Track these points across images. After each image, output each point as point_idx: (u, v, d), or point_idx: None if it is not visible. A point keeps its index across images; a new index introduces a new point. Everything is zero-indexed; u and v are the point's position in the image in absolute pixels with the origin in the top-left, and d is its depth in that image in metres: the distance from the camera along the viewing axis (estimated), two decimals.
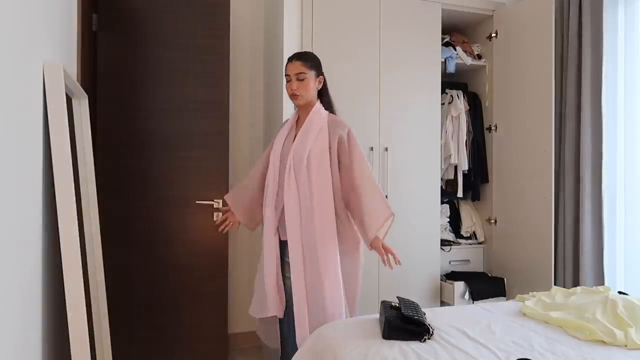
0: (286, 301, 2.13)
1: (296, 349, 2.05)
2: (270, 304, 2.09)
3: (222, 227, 2.28)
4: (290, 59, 2.09)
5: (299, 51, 2.22)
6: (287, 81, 2.09)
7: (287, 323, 2.13)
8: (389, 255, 2.04)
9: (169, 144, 2.63)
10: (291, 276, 2.04)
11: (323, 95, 2.16)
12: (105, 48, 2.55)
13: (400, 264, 2.06)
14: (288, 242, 2.03)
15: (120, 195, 2.55)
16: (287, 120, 2.24)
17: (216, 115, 2.68)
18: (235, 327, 3.15)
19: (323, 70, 2.16)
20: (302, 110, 2.15)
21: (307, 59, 2.08)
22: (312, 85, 2.08)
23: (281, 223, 2.09)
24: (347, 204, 2.09)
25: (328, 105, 2.17)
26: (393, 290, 2.94)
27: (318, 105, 2.11)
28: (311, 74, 2.07)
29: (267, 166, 2.16)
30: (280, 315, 2.13)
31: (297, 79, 2.05)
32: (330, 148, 2.04)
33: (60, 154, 1.52)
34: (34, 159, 1.45)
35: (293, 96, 2.08)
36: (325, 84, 2.16)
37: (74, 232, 1.51)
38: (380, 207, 2.03)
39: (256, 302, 2.19)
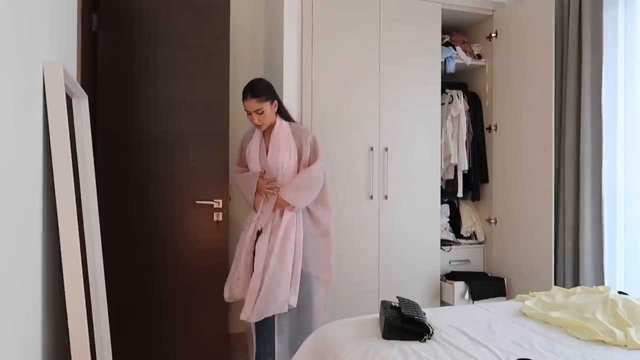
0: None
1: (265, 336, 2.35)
2: (239, 290, 2.38)
3: (272, 187, 2.40)
4: (245, 96, 2.34)
5: (250, 83, 2.39)
6: (248, 114, 2.37)
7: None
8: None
9: (169, 144, 2.63)
10: (255, 256, 2.33)
11: (280, 110, 2.45)
12: (105, 48, 2.55)
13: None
14: (263, 228, 2.36)
15: (120, 195, 2.55)
16: (248, 132, 2.54)
17: (216, 115, 2.68)
18: (235, 327, 3.15)
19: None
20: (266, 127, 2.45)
21: (260, 94, 2.33)
22: (270, 112, 2.37)
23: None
24: None
25: (286, 117, 2.48)
26: (393, 290, 2.94)
27: (279, 122, 2.42)
28: (267, 105, 2.35)
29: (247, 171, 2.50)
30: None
31: (257, 114, 2.33)
32: (301, 152, 2.39)
33: (60, 154, 1.52)
34: (34, 159, 1.45)
35: (257, 126, 2.39)
36: (280, 102, 2.44)
37: (74, 232, 1.51)
38: (295, 190, 2.35)
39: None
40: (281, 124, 2.42)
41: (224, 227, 2.69)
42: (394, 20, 2.96)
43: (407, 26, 3.00)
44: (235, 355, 3.02)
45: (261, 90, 2.34)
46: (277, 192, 2.37)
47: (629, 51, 2.74)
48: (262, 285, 2.28)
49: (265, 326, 2.38)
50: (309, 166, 2.42)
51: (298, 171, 2.41)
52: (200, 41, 2.65)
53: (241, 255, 2.40)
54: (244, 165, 2.55)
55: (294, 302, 2.31)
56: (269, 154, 2.39)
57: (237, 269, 2.40)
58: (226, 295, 2.43)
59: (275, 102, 2.40)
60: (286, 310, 2.30)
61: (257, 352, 2.39)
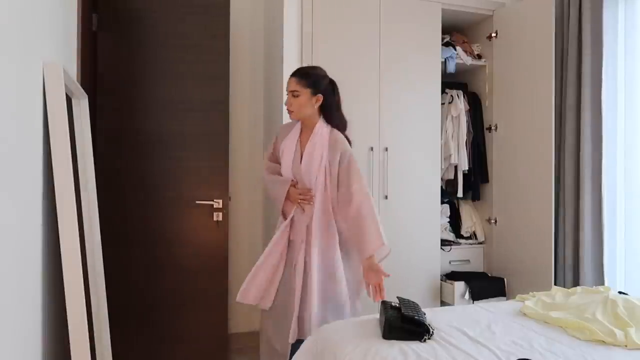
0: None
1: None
2: (254, 293, 2.15)
3: (307, 198, 2.13)
4: (291, 75, 2.11)
5: (303, 66, 2.18)
6: (287, 95, 2.13)
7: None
8: (376, 288, 2.02)
9: (169, 144, 2.63)
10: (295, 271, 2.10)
11: (327, 111, 2.12)
12: (105, 48, 2.55)
13: (382, 298, 2.02)
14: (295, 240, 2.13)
15: (120, 195, 2.56)
16: (287, 125, 2.26)
17: (216, 115, 2.68)
18: (235, 327, 3.15)
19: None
20: (304, 125, 2.16)
21: (303, 77, 2.08)
22: (306, 103, 2.07)
23: (292, 227, 2.16)
24: (347, 222, 2.08)
25: (333, 122, 2.13)
26: (393, 290, 2.92)
27: (319, 125, 2.11)
28: (305, 92, 2.07)
29: (279, 170, 2.21)
30: (265, 306, 2.16)
31: (292, 96, 2.08)
32: (330, 166, 2.08)
33: (60, 154, 1.52)
34: (34, 159, 1.45)
35: (288, 111, 2.13)
36: (328, 100, 2.11)
37: (74, 232, 1.51)
38: (375, 236, 2.01)
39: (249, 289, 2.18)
40: (320, 130, 2.09)
41: (224, 227, 2.69)
42: (394, 21, 2.96)
43: (407, 26, 3.00)
44: (235, 356, 3.02)
45: (307, 73, 2.10)
46: (312, 203, 2.09)
47: (629, 51, 2.74)
48: (312, 301, 2.02)
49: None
50: (339, 185, 2.07)
51: (326, 186, 2.09)
52: (200, 41, 2.65)
53: (267, 261, 2.15)
54: (275, 160, 2.28)
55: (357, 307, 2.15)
56: (302, 162, 2.10)
57: (259, 274, 2.15)
58: (239, 297, 2.18)
59: (319, 96, 2.09)
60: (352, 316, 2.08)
61: None
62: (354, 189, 2.04)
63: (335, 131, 2.13)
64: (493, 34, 3.31)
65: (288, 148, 2.16)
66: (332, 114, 2.13)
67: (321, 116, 2.13)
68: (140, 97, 2.61)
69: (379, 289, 2.02)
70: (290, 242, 2.16)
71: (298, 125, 2.19)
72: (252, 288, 2.16)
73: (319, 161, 2.07)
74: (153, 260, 2.60)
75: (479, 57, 3.39)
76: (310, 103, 2.08)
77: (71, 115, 1.88)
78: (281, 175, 2.21)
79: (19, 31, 1.29)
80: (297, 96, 2.06)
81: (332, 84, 2.16)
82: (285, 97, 2.15)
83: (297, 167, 2.12)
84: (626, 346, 1.62)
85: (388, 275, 2.03)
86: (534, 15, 2.99)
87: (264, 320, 2.23)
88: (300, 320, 2.07)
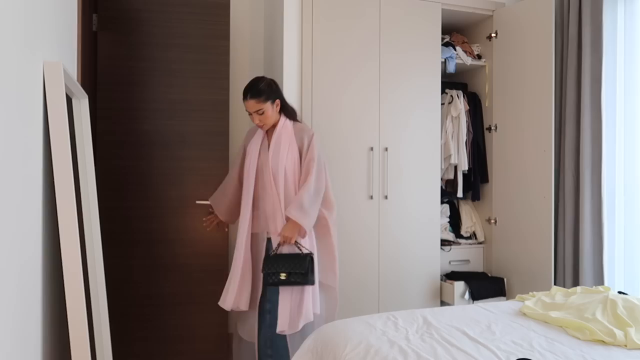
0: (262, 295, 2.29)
1: (269, 342, 2.22)
2: (230, 297, 2.25)
3: (206, 224, 2.49)
4: (244, 96, 2.26)
5: (250, 82, 2.31)
6: (249, 114, 2.29)
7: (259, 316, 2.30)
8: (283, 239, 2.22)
9: (169, 144, 2.63)
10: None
11: (284, 109, 2.35)
12: (105, 48, 2.55)
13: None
14: (272, 238, 2.27)
15: (120, 195, 2.56)
16: (251, 130, 2.45)
17: (216, 115, 2.68)
18: (235, 327, 3.15)
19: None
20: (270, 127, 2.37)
21: (260, 94, 2.24)
22: (272, 112, 2.28)
23: (256, 220, 2.33)
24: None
25: (291, 115, 2.38)
26: (393, 289, 2.94)
27: (282, 121, 2.33)
28: (267, 105, 2.26)
29: (243, 171, 2.37)
30: (246, 308, 2.28)
31: (257, 114, 2.25)
32: (301, 152, 2.31)
33: (60, 154, 1.52)
34: (34, 158, 1.45)
35: (259, 126, 2.31)
36: (282, 101, 2.34)
37: (74, 231, 1.51)
38: (298, 206, 2.20)
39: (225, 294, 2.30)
40: (284, 123, 2.32)
41: (224, 227, 2.68)
42: (393, 21, 2.96)
43: (407, 26, 3.00)
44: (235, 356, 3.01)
45: (261, 89, 2.24)
46: (209, 229, 2.47)
47: (628, 51, 2.74)
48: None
49: (281, 340, 2.26)
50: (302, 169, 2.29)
51: (301, 174, 2.28)
52: (200, 41, 2.65)
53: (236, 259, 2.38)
54: (238, 165, 2.42)
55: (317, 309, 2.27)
56: (270, 153, 2.27)
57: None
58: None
59: (278, 101, 2.30)
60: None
61: None
62: (308, 166, 2.26)
63: (297, 122, 2.39)
64: (493, 34, 3.31)
65: (253, 146, 2.35)
66: (287, 109, 2.37)
67: (281, 114, 2.34)
68: (140, 97, 2.61)
69: (283, 240, 2.21)
70: (253, 235, 2.34)
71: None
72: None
73: (287, 150, 2.27)
74: (153, 260, 2.60)
75: (479, 57, 3.39)
76: (275, 111, 2.30)
77: (71, 115, 1.89)
78: (242, 175, 2.37)
79: (20, 30, 1.29)
80: (262, 113, 2.25)
81: (275, 83, 2.36)
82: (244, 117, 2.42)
83: (264, 158, 2.28)
84: (626, 346, 1.62)
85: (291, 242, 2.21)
86: (534, 15, 3.00)
87: None
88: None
